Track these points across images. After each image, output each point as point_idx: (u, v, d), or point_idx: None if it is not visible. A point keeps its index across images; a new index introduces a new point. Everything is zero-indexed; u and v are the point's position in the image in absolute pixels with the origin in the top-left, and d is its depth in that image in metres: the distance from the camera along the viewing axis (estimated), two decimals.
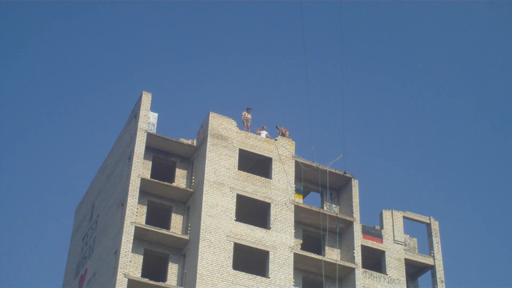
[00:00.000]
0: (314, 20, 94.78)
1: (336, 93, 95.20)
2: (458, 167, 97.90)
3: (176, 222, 41.11)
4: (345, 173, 44.37)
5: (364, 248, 43.26)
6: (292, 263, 40.14)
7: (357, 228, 42.98)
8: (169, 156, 42.80)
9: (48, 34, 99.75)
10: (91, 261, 43.00)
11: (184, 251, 39.95)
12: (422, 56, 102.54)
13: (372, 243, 43.65)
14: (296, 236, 42.15)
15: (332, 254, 42.74)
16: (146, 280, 37.58)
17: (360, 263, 41.95)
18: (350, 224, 43.05)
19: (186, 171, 42.77)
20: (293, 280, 40.24)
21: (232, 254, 38.97)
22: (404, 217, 45.62)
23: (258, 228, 40.34)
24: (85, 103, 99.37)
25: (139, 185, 39.59)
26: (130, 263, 37.97)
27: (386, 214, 45.13)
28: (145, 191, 40.70)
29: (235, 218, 40.09)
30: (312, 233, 43.24)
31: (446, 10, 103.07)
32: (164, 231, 39.26)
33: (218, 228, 39.19)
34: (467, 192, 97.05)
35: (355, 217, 43.16)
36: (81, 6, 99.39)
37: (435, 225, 46.27)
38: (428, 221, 46.35)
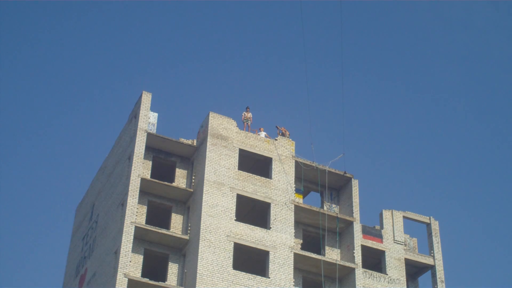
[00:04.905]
0: (314, 20, 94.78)
1: (336, 93, 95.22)
2: (458, 167, 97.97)
3: (176, 222, 41.11)
4: (345, 173, 44.36)
5: (364, 248, 43.25)
6: (292, 263, 40.14)
7: (357, 228, 42.97)
8: (169, 156, 42.79)
9: (48, 34, 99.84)
10: (91, 261, 43.00)
11: (184, 251, 39.95)
12: (422, 56, 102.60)
13: (372, 243, 43.64)
14: (296, 236, 42.15)
15: (332, 254, 42.74)
16: (146, 280, 37.57)
17: (360, 263, 41.95)
18: (350, 224, 43.04)
19: (186, 171, 42.77)
20: (293, 280, 40.24)
21: (232, 254, 38.96)
22: (404, 217, 45.61)
23: (258, 228, 40.34)
24: (85, 103, 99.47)
25: (139, 185, 39.59)
26: (130, 263, 37.96)
27: (386, 214, 45.12)
28: (145, 191, 40.71)
29: (235, 218, 40.09)
30: (312, 233, 43.24)
31: (446, 10, 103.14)
32: (164, 231, 39.26)
33: (218, 228, 39.19)
34: (467, 192, 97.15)
35: (355, 217, 43.15)
36: (81, 6, 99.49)
37: (435, 225, 46.26)
38: (428, 221, 46.34)
